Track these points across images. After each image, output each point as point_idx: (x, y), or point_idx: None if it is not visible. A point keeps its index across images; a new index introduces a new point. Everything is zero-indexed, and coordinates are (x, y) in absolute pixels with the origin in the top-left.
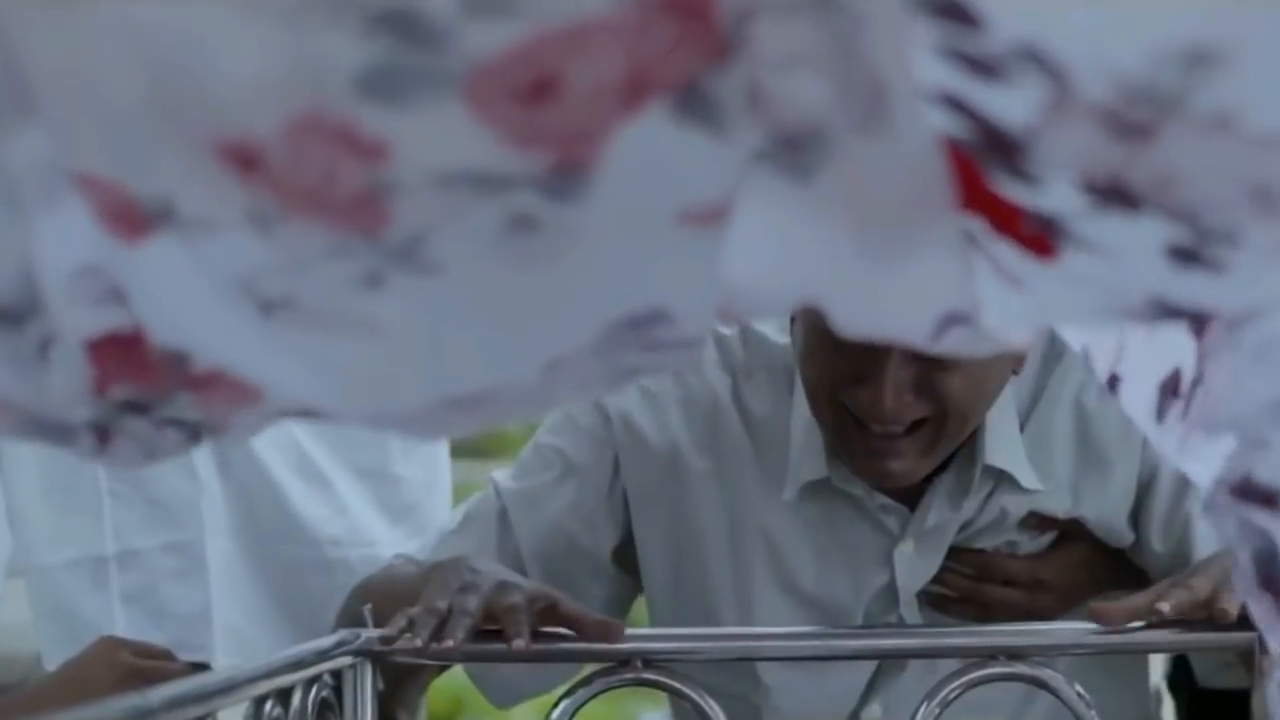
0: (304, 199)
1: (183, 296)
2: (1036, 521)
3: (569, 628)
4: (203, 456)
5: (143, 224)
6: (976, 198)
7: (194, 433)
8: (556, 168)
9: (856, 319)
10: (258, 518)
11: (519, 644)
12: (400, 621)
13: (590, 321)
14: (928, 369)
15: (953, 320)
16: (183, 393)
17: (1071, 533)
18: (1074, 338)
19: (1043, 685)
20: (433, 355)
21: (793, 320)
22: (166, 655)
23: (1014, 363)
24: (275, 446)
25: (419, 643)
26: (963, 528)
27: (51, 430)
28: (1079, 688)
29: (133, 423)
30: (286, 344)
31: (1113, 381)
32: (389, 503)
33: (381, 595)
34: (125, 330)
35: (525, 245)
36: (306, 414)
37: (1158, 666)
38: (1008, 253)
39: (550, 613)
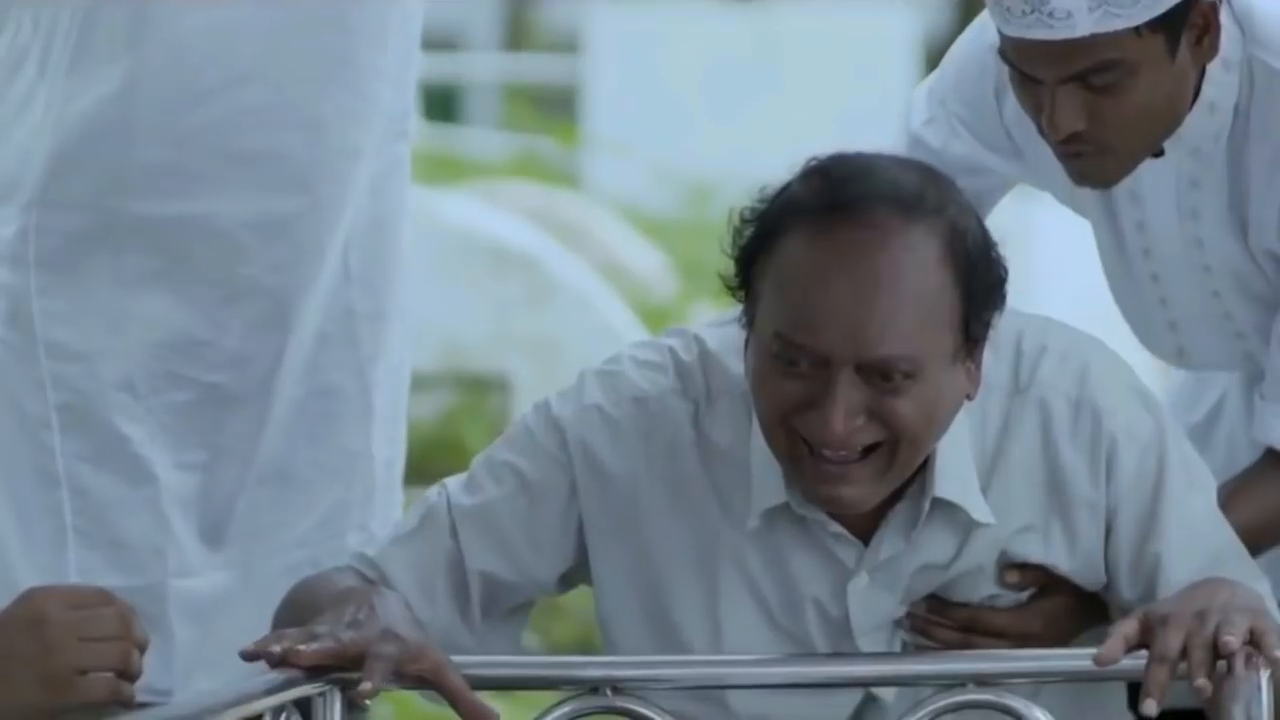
0: None
1: None
2: (1018, 576)
3: (447, 700)
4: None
5: None
6: None
7: None
8: None
9: None
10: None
11: (364, 687)
12: (268, 639)
13: None
14: (878, 393)
15: None
16: None
17: (1053, 583)
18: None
19: (1010, 712)
20: None
21: (746, 347)
22: (103, 599)
23: (967, 388)
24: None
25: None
26: (939, 571)
27: None
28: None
29: None
30: None
31: None
32: (366, 481)
33: (301, 609)
34: None
35: None
36: None
37: None
38: None
39: (433, 676)
